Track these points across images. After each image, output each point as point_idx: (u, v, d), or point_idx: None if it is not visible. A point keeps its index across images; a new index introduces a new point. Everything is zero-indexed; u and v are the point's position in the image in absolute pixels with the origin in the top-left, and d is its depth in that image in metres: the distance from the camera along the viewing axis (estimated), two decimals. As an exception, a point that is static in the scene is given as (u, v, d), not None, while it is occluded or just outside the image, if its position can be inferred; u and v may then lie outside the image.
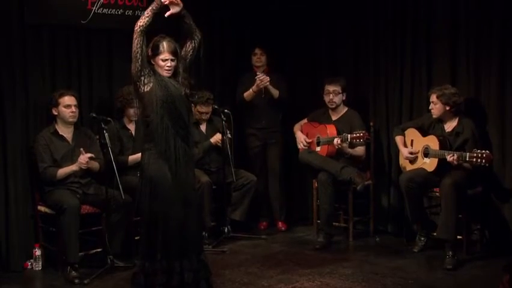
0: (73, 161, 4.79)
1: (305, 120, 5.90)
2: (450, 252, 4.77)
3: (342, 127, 5.59)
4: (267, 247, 5.49)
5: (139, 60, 3.84)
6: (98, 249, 4.92)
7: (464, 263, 4.84)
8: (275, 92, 5.96)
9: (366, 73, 5.97)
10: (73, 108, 4.87)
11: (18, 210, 4.90)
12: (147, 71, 3.90)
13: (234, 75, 6.26)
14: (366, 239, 5.70)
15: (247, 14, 6.30)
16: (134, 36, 3.83)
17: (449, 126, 5.06)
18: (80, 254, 4.72)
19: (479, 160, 4.61)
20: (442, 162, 4.86)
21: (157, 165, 3.88)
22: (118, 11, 5.38)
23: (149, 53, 3.95)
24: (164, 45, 3.93)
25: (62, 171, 4.78)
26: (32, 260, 4.89)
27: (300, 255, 5.22)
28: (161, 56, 3.93)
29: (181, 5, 3.89)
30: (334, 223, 5.65)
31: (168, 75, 3.96)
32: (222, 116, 5.52)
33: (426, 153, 5.04)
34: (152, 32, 3.95)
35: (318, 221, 5.63)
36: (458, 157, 4.71)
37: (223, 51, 6.30)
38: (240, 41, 6.37)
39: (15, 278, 4.75)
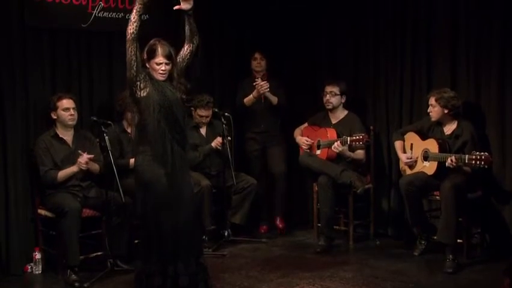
0: (74, 163, 4.78)
1: (305, 125, 5.90)
2: (450, 256, 4.77)
3: (342, 130, 5.60)
4: (267, 251, 5.48)
5: (134, 67, 3.81)
6: (99, 253, 4.92)
7: (465, 266, 4.83)
8: (274, 99, 5.96)
9: (366, 74, 5.96)
10: (72, 111, 4.87)
11: (18, 214, 4.90)
12: (143, 76, 3.87)
13: (233, 78, 6.25)
14: (366, 243, 5.69)
15: (247, 15, 6.29)
16: (128, 45, 3.78)
17: (449, 129, 5.06)
18: (80, 257, 4.71)
19: (478, 162, 4.60)
20: (442, 165, 4.85)
21: (151, 169, 3.86)
22: (118, 15, 5.38)
23: (145, 57, 3.93)
24: (159, 49, 3.91)
25: (63, 173, 4.79)
26: (32, 264, 4.88)
27: (300, 258, 5.22)
28: (156, 60, 3.91)
29: (192, 3, 3.87)
30: (334, 226, 5.64)
31: (163, 78, 3.93)
32: (223, 119, 5.52)
33: (426, 157, 5.03)
34: (149, 36, 3.95)
35: (319, 225, 5.63)
36: (457, 159, 4.71)
37: (223, 53, 6.29)
38: (240, 43, 6.36)
39: (15, 282, 4.74)
